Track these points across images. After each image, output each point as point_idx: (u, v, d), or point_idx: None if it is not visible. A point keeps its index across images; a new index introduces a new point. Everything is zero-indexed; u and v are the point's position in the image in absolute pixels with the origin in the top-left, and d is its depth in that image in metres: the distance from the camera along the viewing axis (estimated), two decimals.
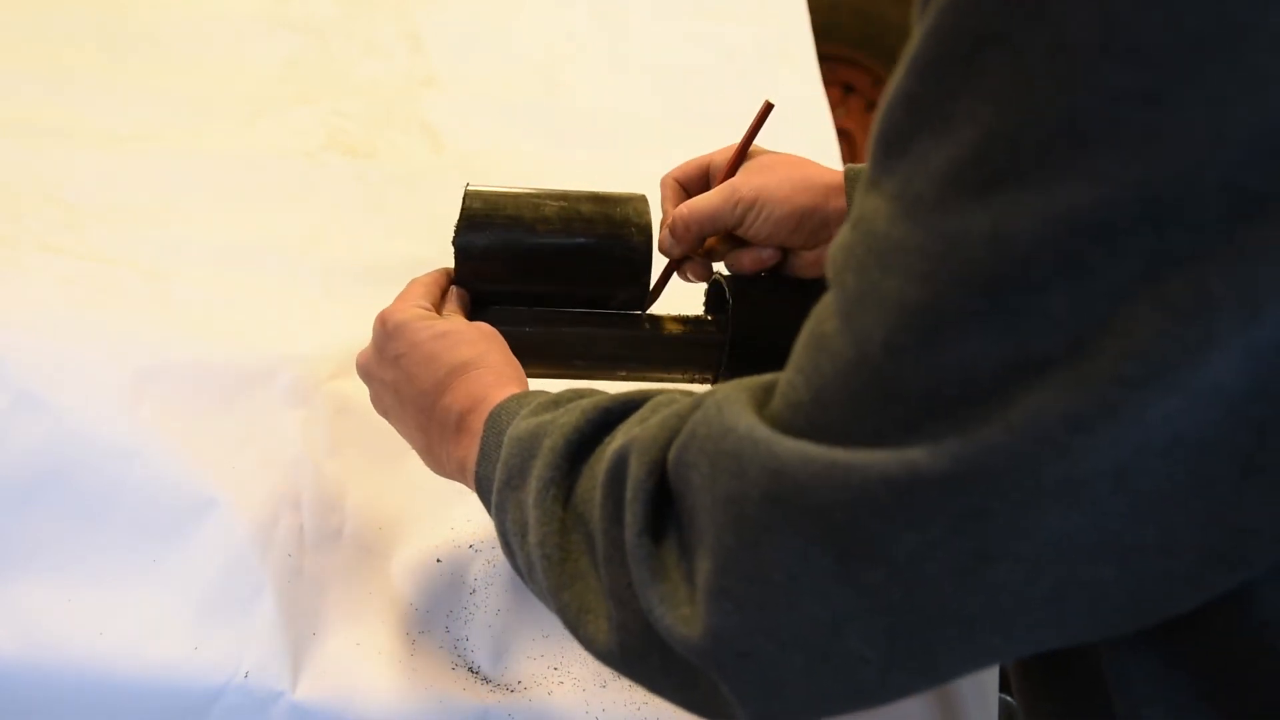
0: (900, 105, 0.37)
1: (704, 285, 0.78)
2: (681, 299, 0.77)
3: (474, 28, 1.32)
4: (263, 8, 1.27)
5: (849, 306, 0.38)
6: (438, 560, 0.74)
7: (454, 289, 0.71)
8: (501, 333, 0.66)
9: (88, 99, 1.09)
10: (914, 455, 0.35)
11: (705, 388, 0.67)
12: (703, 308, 0.79)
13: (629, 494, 0.45)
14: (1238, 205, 0.31)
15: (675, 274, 0.77)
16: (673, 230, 0.74)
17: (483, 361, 0.62)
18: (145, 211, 0.96)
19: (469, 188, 0.71)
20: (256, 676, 0.65)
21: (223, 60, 1.20)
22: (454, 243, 0.70)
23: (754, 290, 0.74)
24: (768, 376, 0.43)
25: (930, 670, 0.40)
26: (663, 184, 0.77)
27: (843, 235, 0.40)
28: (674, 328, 0.74)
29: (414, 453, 0.67)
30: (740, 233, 0.73)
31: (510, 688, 0.67)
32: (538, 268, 0.71)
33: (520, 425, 0.54)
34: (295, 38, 1.24)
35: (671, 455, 0.44)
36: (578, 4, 1.38)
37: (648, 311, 0.75)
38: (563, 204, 0.71)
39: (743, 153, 0.74)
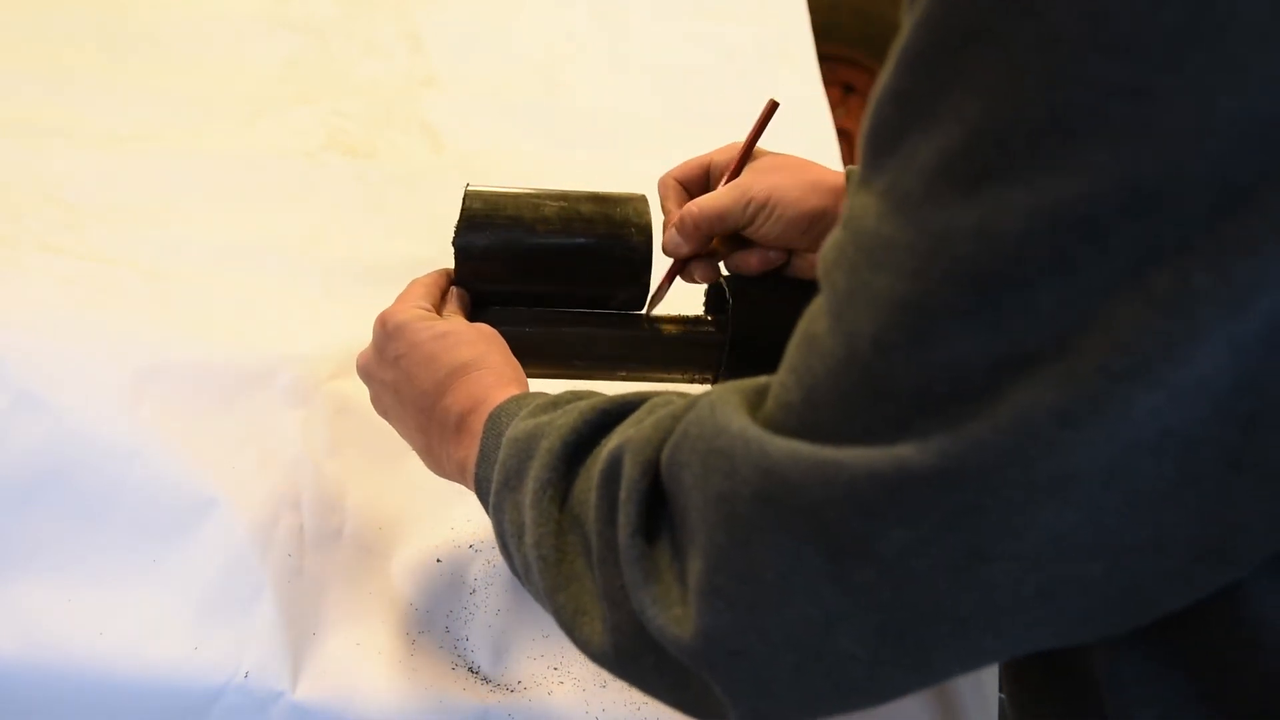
0: (889, 102, 0.37)
1: (702, 286, 0.78)
2: (682, 299, 0.77)
3: (474, 28, 1.32)
4: (263, 8, 1.27)
5: (839, 305, 0.38)
6: (438, 560, 0.74)
7: (454, 289, 0.71)
8: (501, 333, 0.66)
9: (88, 99, 1.09)
10: (903, 452, 0.36)
11: (705, 388, 0.67)
12: (703, 308, 0.79)
13: (623, 494, 0.45)
14: (1221, 197, 0.31)
15: (679, 275, 0.77)
16: (680, 229, 0.73)
17: (483, 362, 0.62)
18: (145, 211, 0.96)
19: (469, 188, 0.71)
20: (256, 676, 0.65)
21: (223, 60, 1.20)
22: (454, 243, 0.70)
23: (754, 290, 0.74)
24: (762, 379, 0.44)
25: (923, 669, 0.40)
26: (662, 184, 0.76)
27: (834, 234, 0.40)
28: (674, 328, 0.74)
29: (414, 453, 0.67)
30: (749, 233, 0.73)
31: (510, 688, 0.67)
32: (538, 268, 0.71)
33: (518, 427, 0.54)
34: (295, 38, 1.24)
35: (665, 455, 0.44)
36: (578, 4, 1.38)
37: (650, 312, 0.75)
38: (563, 204, 0.71)
39: (749, 151, 0.74)
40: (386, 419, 0.69)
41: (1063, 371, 0.33)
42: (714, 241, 0.75)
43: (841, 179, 0.72)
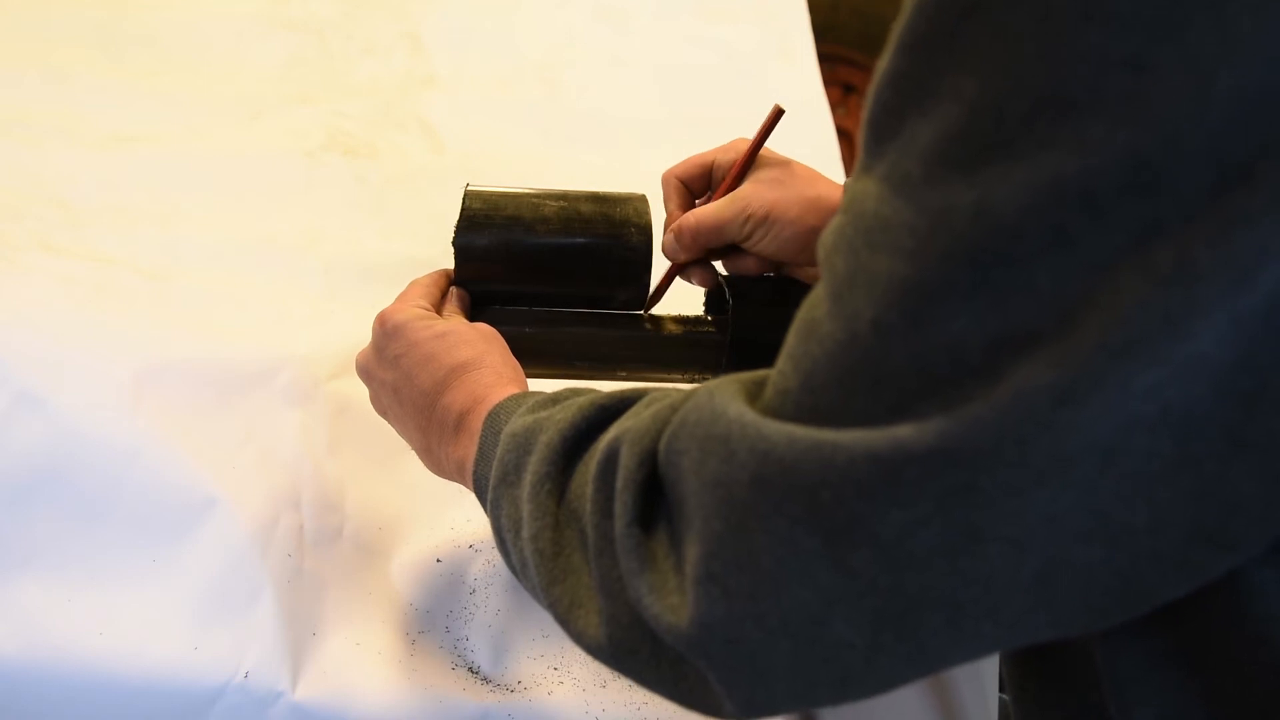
0: (888, 85, 0.37)
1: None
2: (681, 299, 0.77)
3: (474, 28, 1.32)
4: (263, 8, 1.27)
5: (838, 288, 0.38)
6: (438, 560, 0.74)
7: (454, 290, 0.71)
8: (501, 333, 0.66)
9: (88, 99, 1.09)
10: (901, 432, 0.35)
11: None
12: (703, 308, 0.79)
13: (620, 484, 0.45)
14: (1222, 171, 0.31)
15: (678, 277, 0.76)
16: (678, 239, 0.72)
17: (482, 362, 0.62)
18: (145, 211, 0.96)
19: (469, 188, 0.71)
20: (256, 676, 0.65)
21: (223, 60, 1.20)
22: (454, 243, 0.70)
23: (755, 291, 0.74)
24: (762, 372, 0.44)
25: (919, 657, 0.39)
26: (664, 181, 0.76)
27: (834, 221, 0.40)
28: (674, 328, 0.74)
29: (414, 452, 0.67)
30: (746, 247, 0.72)
31: (510, 688, 0.67)
32: (538, 268, 0.71)
33: (517, 423, 0.54)
34: (295, 38, 1.24)
35: (662, 444, 0.44)
36: (578, 4, 1.38)
37: (648, 312, 0.75)
38: (562, 204, 0.71)
39: (751, 159, 0.72)
40: (386, 419, 0.69)
41: (1061, 350, 0.33)
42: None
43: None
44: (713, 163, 0.75)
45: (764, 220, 0.70)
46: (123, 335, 0.79)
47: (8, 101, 1.06)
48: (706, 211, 0.72)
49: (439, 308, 0.69)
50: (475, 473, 0.57)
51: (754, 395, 0.42)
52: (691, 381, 0.76)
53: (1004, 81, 0.33)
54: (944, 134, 0.35)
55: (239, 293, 0.89)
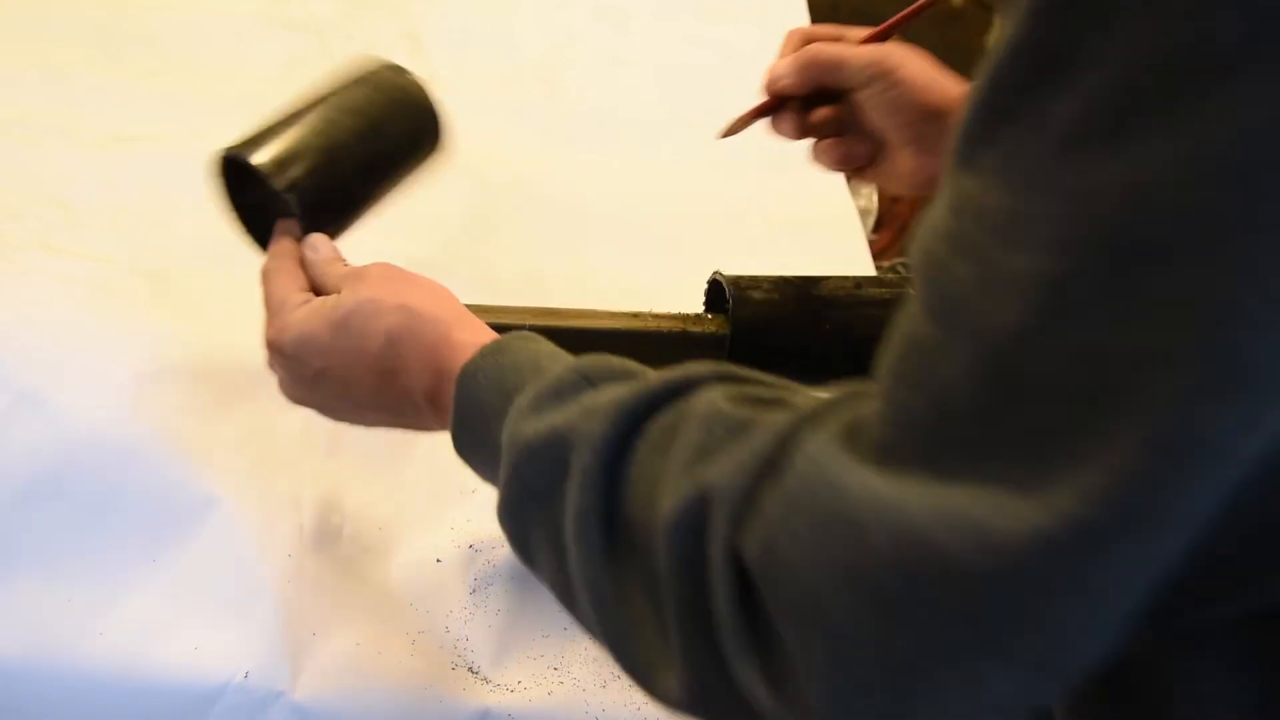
0: (1010, 61, 0.33)
1: (702, 284, 0.78)
2: (681, 299, 0.77)
3: (474, 28, 1.32)
4: (263, 8, 1.27)
5: (966, 299, 0.34)
6: (438, 560, 0.74)
7: (316, 238, 0.65)
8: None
9: (88, 99, 1.09)
10: (1063, 503, 0.32)
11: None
12: (703, 306, 0.80)
13: (715, 557, 0.39)
14: None
15: (764, 119, 0.73)
16: (797, 58, 0.69)
17: (409, 325, 0.57)
18: (145, 211, 0.96)
19: (231, 147, 0.68)
20: (256, 676, 0.65)
21: (223, 60, 1.20)
22: (280, 196, 0.66)
23: (755, 290, 0.74)
24: (841, 407, 0.39)
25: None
26: (790, 33, 0.73)
27: (935, 225, 0.36)
28: (673, 325, 0.74)
29: (414, 453, 0.67)
30: (859, 100, 0.69)
31: (510, 688, 0.67)
32: (360, 171, 0.70)
33: (528, 428, 0.48)
34: (295, 38, 1.24)
35: (761, 527, 0.38)
36: (578, 4, 1.38)
37: (649, 309, 0.75)
38: (340, 104, 0.70)
39: (895, 26, 0.69)
40: (365, 425, 0.64)
41: (1209, 372, 0.30)
42: (820, 113, 0.72)
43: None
44: (842, 35, 0.72)
45: (888, 72, 0.67)
46: (123, 335, 0.79)
47: (8, 101, 1.06)
48: (834, 44, 0.68)
49: (319, 280, 0.62)
50: (455, 438, 0.54)
51: (856, 440, 0.37)
52: None
53: (1152, 41, 0.30)
54: (1081, 106, 0.31)
55: (239, 293, 0.89)
